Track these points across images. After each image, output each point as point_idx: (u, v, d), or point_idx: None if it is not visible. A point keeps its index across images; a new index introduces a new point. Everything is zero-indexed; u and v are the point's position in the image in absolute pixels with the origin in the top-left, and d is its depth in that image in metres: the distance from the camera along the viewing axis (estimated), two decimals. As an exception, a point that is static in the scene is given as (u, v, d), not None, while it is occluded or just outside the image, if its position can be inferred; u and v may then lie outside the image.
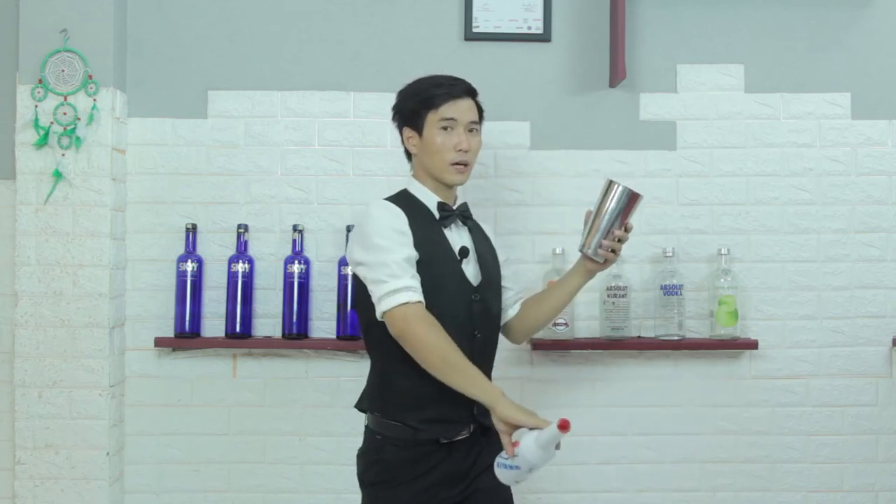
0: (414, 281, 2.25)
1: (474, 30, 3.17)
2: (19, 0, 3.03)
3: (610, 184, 2.43)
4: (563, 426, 2.00)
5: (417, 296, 2.23)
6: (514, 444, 2.11)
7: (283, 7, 3.18)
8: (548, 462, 2.10)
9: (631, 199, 2.41)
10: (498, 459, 2.15)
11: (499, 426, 2.14)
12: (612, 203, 2.41)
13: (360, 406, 2.42)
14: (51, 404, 2.99)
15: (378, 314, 2.25)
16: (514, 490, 2.44)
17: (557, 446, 2.09)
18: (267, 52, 3.18)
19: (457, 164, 2.38)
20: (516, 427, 2.12)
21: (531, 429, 2.09)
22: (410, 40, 3.18)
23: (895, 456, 3.17)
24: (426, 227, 2.34)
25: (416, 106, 2.40)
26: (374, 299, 2.26)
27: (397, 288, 2.22)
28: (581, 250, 2.47)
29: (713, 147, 3.19)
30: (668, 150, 3.19)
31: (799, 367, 3.17)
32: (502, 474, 2.15)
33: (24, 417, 2.99)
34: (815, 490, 3.16)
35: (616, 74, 3.07)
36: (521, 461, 2.09)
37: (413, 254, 2.28)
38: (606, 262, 2.46)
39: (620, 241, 2.43)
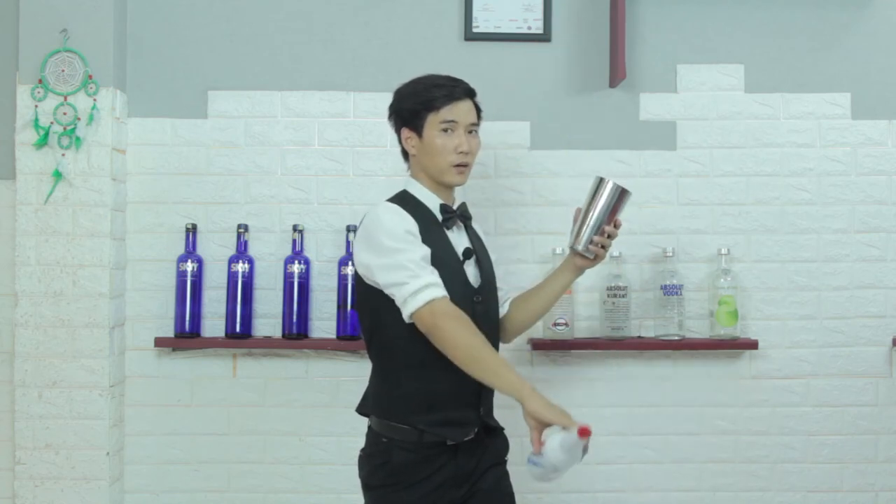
0: (434, 276, 2.24)
1: (474, 30, 3.17)
2: (19, 0, 3.03)
3: (600, 181, 2.44)
4: (583, 433, 2.01)
5: (441, 291, 2.22)
6: (542, 444, 2.08)
7: (283, 7, 3.18)
8: (572, 465, 2.08)
9: (620, 196, 2.43)
10: (529, 455, 2.12)
11: (528, 422, 2.12)
12: (602, 200, 2.43)
13: (363, 409, 2.41)
14: (51, 404, 2.99)
15: (406, 316, 2.23)
16: (512, 489, 2.45)
17: (585, 450, 2.07)
18: (267, 52, 3.18)
19: (457, 165, 2.38)
20: (546, 424, 2.09)
21: (563, 428, 2.06)
22: (410, 40, 3.18)
23: (895, 456, 3.16)
24: (430, 229, 2.34)
25: (415, 107, 2.40)
26: (398, 303, 2.24)
27: (420, 287, 2.20)
28: (571, 246, 2.48)
29: (713, 147, 3.19)
30: (668, 150, 3.19)
31: (799, 367, 3.16)
32: (530, 470, 2.12)
33: (24, 417, 2.99)
34: (815, 490, 3.15)
35: (616, 74, 3.07)
36: (544, 461, 2.07)
37: (427, 251, 2.27)
38: (596, 259, 2.47)
39: (610, 237, 2.44)
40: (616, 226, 2.44)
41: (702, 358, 3.16)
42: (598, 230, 2.43)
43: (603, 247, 2.44)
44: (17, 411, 3.00)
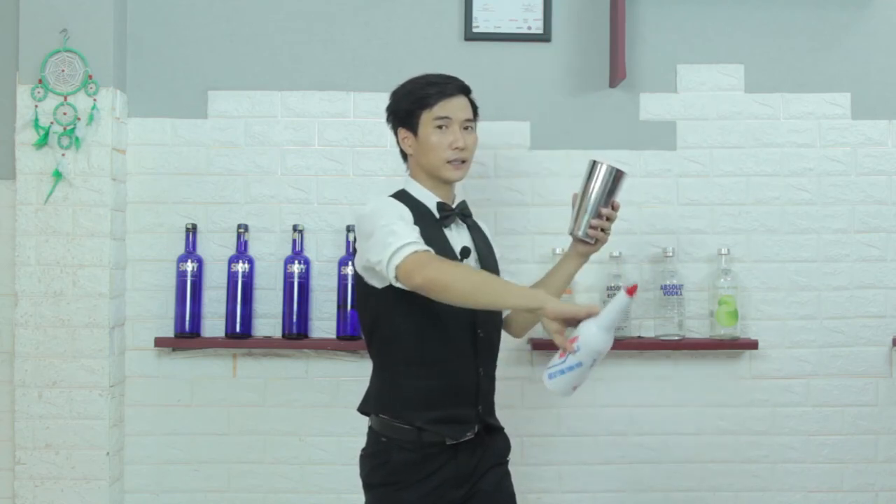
0: (416, 236, 2.21)
1: (474, 30, 3.17)
2: (19, 0, 3.03)
3: (594, 164, 2.41)
4: (632, 291, 2.00)
5: (423, 246, 2.19)
6: (572, 341, 2.06)
7: (283, 7, 3.18)
8: (608, 348, 2.07)
9: (616, 178, 2.39)
10: (549, 371, 2.09)
11: (550, 327, 2.10)
12: (597, 183, 2.39)
13: (365, 409, 2.41)
14: (51, 404, 2.99)
15: (391, 276, 2.17)
16: (513, 490, 2.45)
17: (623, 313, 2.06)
18: (267, 52, 3.18)
19: (453, 161, 2.38)
20: (568, 324, 2.09)
21: (584, 319, 2.06)
22: (410, 40, 3.18)
23: (895, 456, 3.17)
24: (427, 227, 2.33)
25: (409, 106, 2.40)
26: (383, 269, 2.18)
27: (401, 245, 2.17)
28: (571, 233, 2.45)
29: (713, 147, 3.19)
30: (668, 150, 3.19)
31: (799, 367, 3.16)
32: (560, 382, 2.08)
33: (24, 417, 2.99)
34: (815, 490, 3.16)
35: (616, 74, 3.07)
36: (584, 354, 2.04)
37: (416, 230, 2.24)
38: (598, 243, 2.44)
39: (609, 219, 2.41)
40: (614, 208, 2.41)
41: (702, 358, 3.16)
42: (596, 214, 2.39)
43: (603, 230, 2.42)
44: (17, 411, 3.00)
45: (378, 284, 2.30)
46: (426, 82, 2.41)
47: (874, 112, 3.20)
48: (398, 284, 2.18)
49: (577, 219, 2.43)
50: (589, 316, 2.08)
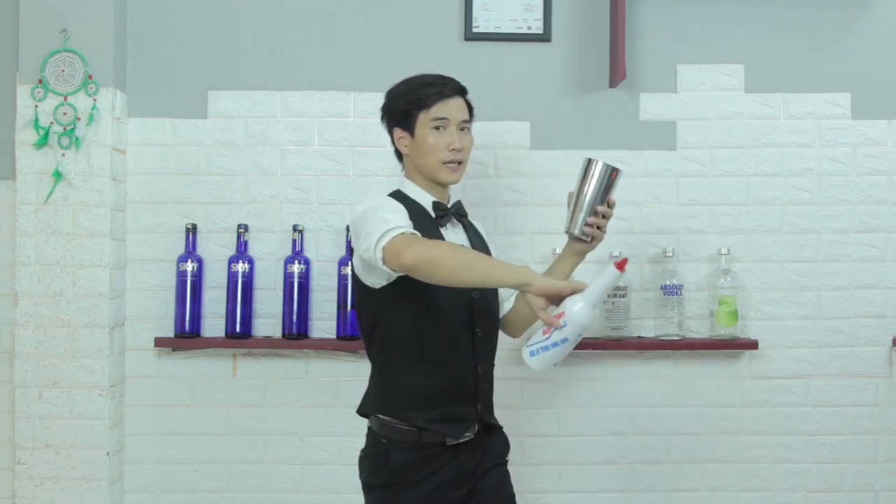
0: (406, 222, 2.21)
1: (474, 30, 3.17)
2: (19, 0, 3.03)
3: (589, 162, 2.40)
4: (622, 265, 2.01)
5: (411, 230, 2.19)
6: (558, 316, 2.06)
7: (283, 7, 3.18)
8: (591, 323, 2.08)
9: (611, 175, 2.39)
10: (531, 348, 2.10)
11: (536, 303, 2.09)
12: (592, 181, 2.39)
13: (364, 410, 2.41)
14: (51, 404, 2.99)
15: (378, 259, 2.16)
16: (513, 490, 2.45)
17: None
18: (267, 52, 3.18)
19: (450, 162, 2.38)
20: (553, 301, 2.09)
21: (571, 295, 2.07)
22: (410, 40, 3.18)
23: (895, 456, 3.17)
24: (423, 226, 2.33)
25: (406, 106, 2.40)
26: (371, 255, 2.17)
27: (389, 228, 2.16)
28: (567, 231, 2.45)
29: (713, 147, 3.19)
30: (668, 150, 3.19)
31: (799, 367, 3.16)
32: (542, 359, 2.08)
33: (24, 417, 2.99)
34: (815, 490, 3.16)
35: (616, 74, 3.07)
36: (570, 330, 2.04)
37: (409, 221, 2.24)
38: (594, 241, 2.44)
39: (605, 217, 2.41)
40: (610, 205, 2.40)
41: (702, 358, 3.16)
42: (592, 211, 2.39)
43: (599, 227, 2.41)
44: (17, 411, 3.00)
45: (375, 284, 2.30)
46: (422, 83, 2.41)
47: (874, 112, 3.20)
48: (385, 268, 2.17)
49: (572, 217, 2.43)
50: (574, 292, 2.08)
